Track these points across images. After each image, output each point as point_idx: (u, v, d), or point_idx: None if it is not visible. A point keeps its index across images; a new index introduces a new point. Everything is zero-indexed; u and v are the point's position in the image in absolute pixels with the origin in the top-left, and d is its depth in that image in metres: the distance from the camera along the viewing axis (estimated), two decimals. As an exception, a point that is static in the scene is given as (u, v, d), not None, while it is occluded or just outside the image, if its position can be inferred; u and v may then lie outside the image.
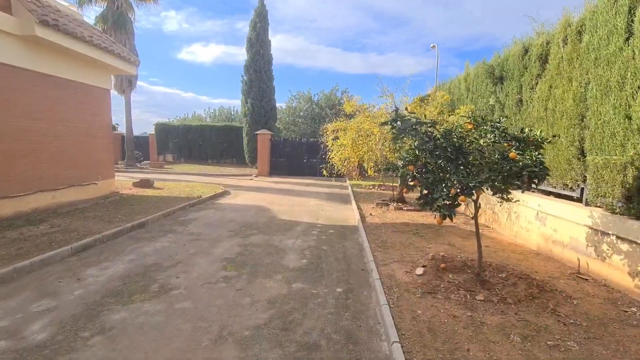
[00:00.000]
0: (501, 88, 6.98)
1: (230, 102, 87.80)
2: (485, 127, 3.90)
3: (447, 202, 3.59)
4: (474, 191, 3.56)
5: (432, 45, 23.22)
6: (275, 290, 3.93)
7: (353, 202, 10.08)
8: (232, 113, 37.98)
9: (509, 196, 3.82)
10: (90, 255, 4.96)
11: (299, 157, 18.39)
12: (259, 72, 18.28)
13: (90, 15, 37.66)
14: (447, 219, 3.58)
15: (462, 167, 3.70)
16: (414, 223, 7.41)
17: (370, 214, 8.25)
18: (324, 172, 9.64)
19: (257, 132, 18.03)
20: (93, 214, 7.19)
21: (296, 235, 6.42)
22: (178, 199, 9.57)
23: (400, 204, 9.06)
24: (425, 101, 8.05)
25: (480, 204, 4.04)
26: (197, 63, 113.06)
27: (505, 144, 3.67)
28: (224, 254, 5.21)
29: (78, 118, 8.56)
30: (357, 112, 8.41)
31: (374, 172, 8.49)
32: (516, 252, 5.45)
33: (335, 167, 9.14)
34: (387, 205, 9.17)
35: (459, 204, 3.62)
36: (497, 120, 3.95)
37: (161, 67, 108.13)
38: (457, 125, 4.13)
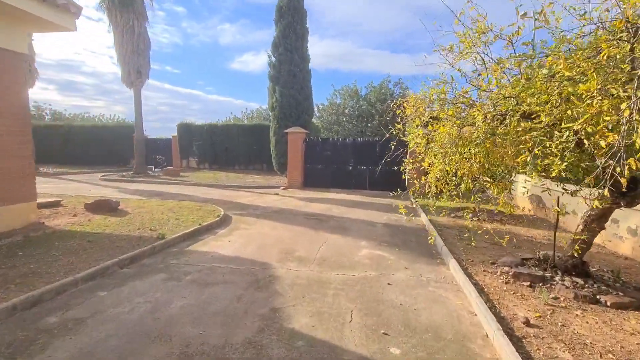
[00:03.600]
0: None
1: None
2: None
3: None
4: None
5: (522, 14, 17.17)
6: None
7: (447, 255, 4.99)
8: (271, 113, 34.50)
9: None
10: None
11: (342, 162, 13.56)
12: (290, 50, 13.85)
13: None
14: None
15: None
16: None
17: (527, 321, 3.12)
18: (401, 208, 4.69)
19: (288, 131, 13.58)
20: None
21: None
22: (123, 241, 5.29)
23: (580, 279, 3.77)
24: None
25: None
26: (246, 71, 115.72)
27: None
28: None
29: None
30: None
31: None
32: None
33: (428, 187, 4.05)
34: (546, 281, 3.91)
35: None
36: None
37: (216, 76, 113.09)
38: None
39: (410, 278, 4.38)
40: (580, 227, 3.80)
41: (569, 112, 2.47)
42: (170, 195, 10.99)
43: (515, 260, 4.54)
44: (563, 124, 2.53)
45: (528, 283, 3.95)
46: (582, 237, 3.64)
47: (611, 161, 2.25)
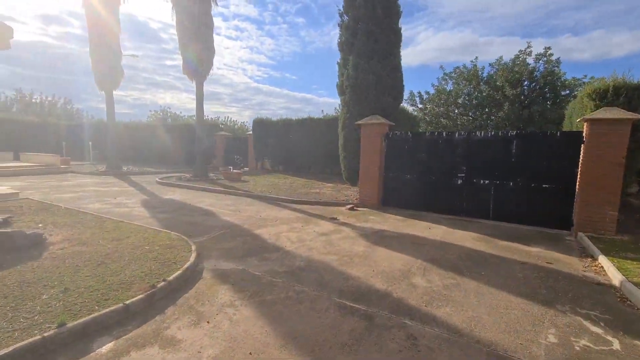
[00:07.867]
0: None
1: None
2: None
3: None
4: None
5: None
6: None
7: None
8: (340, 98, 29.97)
9: None
10: None
11: (446, 172, 8.27)
12: (371, 4, 9.27)
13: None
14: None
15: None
16: None
17: None
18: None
19: (360, 122, 9.07)
20: None
21: None
22: None
23: None
24: None
25: None
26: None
27: None
28: None
29: None
30: None
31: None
32: None
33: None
34: None
35: None
36: None
37: (328, 80, 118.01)
38: None
39: None
40: None
41: None
42: (189, 211, 7.95)
43: None
44: None
45: None
46: None
47: None
